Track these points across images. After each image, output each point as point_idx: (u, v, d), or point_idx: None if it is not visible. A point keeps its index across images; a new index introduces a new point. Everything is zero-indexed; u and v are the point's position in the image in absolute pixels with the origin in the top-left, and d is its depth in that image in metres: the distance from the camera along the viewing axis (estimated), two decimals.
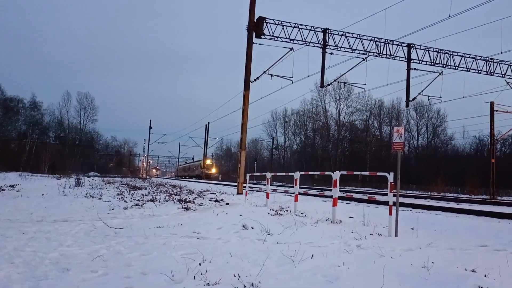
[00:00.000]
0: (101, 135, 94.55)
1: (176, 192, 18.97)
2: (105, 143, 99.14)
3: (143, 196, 15.66)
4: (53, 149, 69.33)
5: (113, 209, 11.33)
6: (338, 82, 31.85)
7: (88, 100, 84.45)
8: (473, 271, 5.04)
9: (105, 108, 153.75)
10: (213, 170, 77.95)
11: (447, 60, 26.21)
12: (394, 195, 8.35)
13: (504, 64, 27.50)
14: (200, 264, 5.11)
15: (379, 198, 12.52)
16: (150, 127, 71.60)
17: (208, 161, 77.97)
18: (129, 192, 18.43)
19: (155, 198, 14.75)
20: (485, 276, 4.78)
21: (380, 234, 8.13)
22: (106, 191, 18.54)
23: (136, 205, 12.21)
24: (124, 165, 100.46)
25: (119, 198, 14.57)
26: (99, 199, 14.31)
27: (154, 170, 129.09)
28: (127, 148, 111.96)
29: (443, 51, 26.11)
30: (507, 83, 27.99)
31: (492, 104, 31.40)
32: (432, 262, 5.26)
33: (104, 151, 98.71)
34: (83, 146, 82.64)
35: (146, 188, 22.69)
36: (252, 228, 8.32)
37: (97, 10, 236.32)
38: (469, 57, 26.66)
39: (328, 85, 28.40)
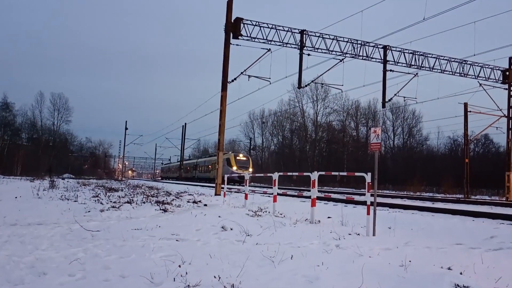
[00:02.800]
0: (75, 136, 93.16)
1: (153, 194, 18.79)
2: (79, 144, 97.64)
3: (120, 198, 15.46)
4: (26, 151, 67.95)
5: (89, 211, 11.14)
6: (315, 83, 32.08)
7: (62, 101, 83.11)
8: (449, 269, 5.14)
9: (80, 109, 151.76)
10: (250, 170, 49.55)
11: (422, 61, 26.72)
12: (371, 195, 8.44)
13: (477, 66, 28.15)
14: (179, 266, 5.07)
15: (357, 198, 12.62)
16: (126, 128, 70.94)
17: (241, 156, 53.13)
18: (106, 194, 18.17)
19: (132, 200, 14.58)
20: (461, 273, 4.87)
21: (359, 234, 8.20)
22: (81, 193, 18.24)
23: (113, 207, 12.05)
24: (99, 166, 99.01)
25: (95, 200, 14.35)
26: (75, 201, 14.06)
27: (130, 172, 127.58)
28: (102, 150, 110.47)
29: (418, 53, 26.59)
30: (480, 84, 28.66)
31: (465, 105, 32.09)
32: (410, 261, 5.34)
33: (79, 152, 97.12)
34: (57, 148, 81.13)
35: (122, 190, 22.40)
36: (231, 229, 8.30)
37: (73, 9, 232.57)
38: (443, 59, 27.22)
39: (306, 86, 28.68)
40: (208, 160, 65.34)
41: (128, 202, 13.47)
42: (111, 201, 14.00)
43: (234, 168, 49.71)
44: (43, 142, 79.88)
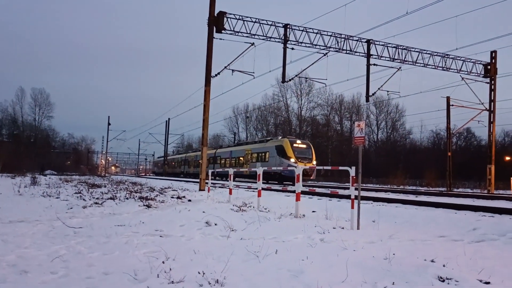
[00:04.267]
0: (57, 132, 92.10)
1: (137, 190, 18.64)
2: (61, 140, 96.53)
3: (103, 194, 15.30)
4: (6, 147, 66.78)
5: (71, 208, 10.99)
6: (299, 77, 32.25)
7: (43, 97, 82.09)
8: (433, 261, 5.18)
9: (62, 104, 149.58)
10: (314, 163, 36.10)
11: (405, 55, 26.93)
12: (355, 189, 8.48)
13: (459, 60, 28.47)
14: (163, 262, 5.01)
15: (341, 192, 12.70)
16: (109, 124, 70.24)
17: (299, 143, 36.89)
18: (88, 190, 17.97)
19: (115, 196, 14.44)
20: (444, 265, 4.92)
21: (343, 228, 8.23)
22: (63, 190, 18.01)
23: (96, 203, 11.91)
24: (82, 162, 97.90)
25: (77, 197, 14.17)
26: (57, 198, 13.87)
27: (113, 168, 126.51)
28: (85, 146, 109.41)
29: (401, 47, 26.78)
30: (462, 78, 28.99)
31: (448, 99, 32.45)
32: (394, 254, 5.37)
33: (61, 148, 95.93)
34: (38, 144, 80.00)
35: (105, 186, 22.19)
36: (216, 224, 8.26)
37: (53, 4, 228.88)
38: (426, 53, 27.46)
39: (290, 80, 28.67)
40: (200, 155, 55.96)
41: (111, 198, 13.33)
42: (94, 198, 13.84)
43: (292, 160, 34.34)
44: (24, 139, 78.70)
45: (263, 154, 39.04)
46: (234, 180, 13.22)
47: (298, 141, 37.30)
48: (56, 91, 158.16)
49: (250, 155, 41.43)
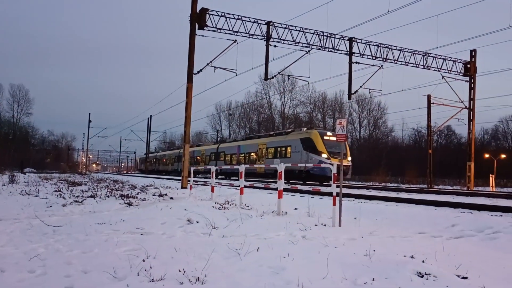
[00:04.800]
0: (36, 129, 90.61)
1: (118, 188, 18.46)
2: (41, 137, 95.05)
3: (83, 192, 15.11)
4: None
5: (51, 206, 10.82)
6: (282, 74, 32.26)
7: (22, 93, 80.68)
8: (412, 257, 5.24)
9: (41, 101, 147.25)
10: (350, 159, 31.11)
11: (387, 54, 27.15)
12: (337, 186, 8.52)
13: (440, 58, 28.83)
14: (144, 260, 4.97)
15: (323, 189, 12.76)
16: (89, 121, 69.41)
17: (330, 135, 30.38)
18: (68, 188, 17.73)
19: (96, 194, 14.27)
20: (423, 261, 4.98)
21: (325, 225, 8.27)
22: (43, 188, 17.73)
23: (76, 201, 11.75)
24: (62, 160, 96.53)
25: (57, 195, 13.96)
26: (36, 196, 13.65)
27: (94, 165, 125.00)
28: (65, 143, 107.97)
29: (383, 45, 26.99)
30: (443, 77, 29.37)
31: (429, 97, 32.87)
32: (374, 250, 5.41)
33: (41, 146, 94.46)
34: (17, 141, 78.61)
35: (86, 184, 21.92)
36: (197, 222, 8.23)
37: None
38: (407, 52, 27.74)
39: (272, 77, 28.67)
40: (198, 151, 50.93)
41: (91, 196, 13.17)
42: (74, 196, 13.66)
43: (324, 155, 28.79)
44: (2, 136, 77.23)
45: (283, 148, 33.25)
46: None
47: (329, 133, 30.89)
48: (35, 87, 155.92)
49: (265, 150, 35.68)
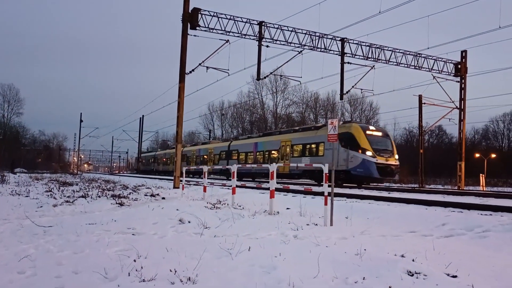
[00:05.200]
0: (27, 129, 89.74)
1: (110, 188, 18.39)
2: (32, 137, 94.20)
3: (74, 192, 15.03)
4: None
5: (41, 206, 10.76)
6: (275, 74, 32.30)
7: (13, 93, 79.78)
8: (403, 256, 5.27)
9: (32, 100, 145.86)
10: (397, 158, 26.35)
11: (379, 54, 27.27)
12: (329, 186, 8.55)
13: (431, 59, 29.01)
14: (135, 260, 4.96)
15: (315, 189, 12.79)
16: (81, 120, 68.81)
17: (374, 130, 26.58)
18: (59, 188, 17.62)
19: (87, 194, 14.19)
20: (413, 260, 5.01)
21: (316, 224, 8.30)
22: (34, 188, 17.61)
23: (67, 201, 11.69)
24: (53, 160, 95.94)
25: (48, 195, 13.87)
26: (26, 196, 13.54)
27: (86, 165, 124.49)
28: (56, 143, 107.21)
29: (374, 46, 27.10)
30: (434, 77, 29.54)
31: (420, 97, 33.07)
32: (365, 249, 5.44)
33: (32, 146, 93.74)
34: (7, 141, 77.93)
35: (77, 184, 21.79)
36: (189, 222, 8.21)
37: None
38: (398, 52, 27.88)
39: (265, 77, 28.69)
40: (205, 149, 45.68)
41: (82, 197, 13.10)
42: (65, 196, 13.58)
43: (369, 153, 24.73)
44: None
45: (314, 145, 28.72)
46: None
47: (372, 127, 27.02)
48: (26, 86, 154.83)
49: (290, 147, 31.09)
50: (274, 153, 33.31)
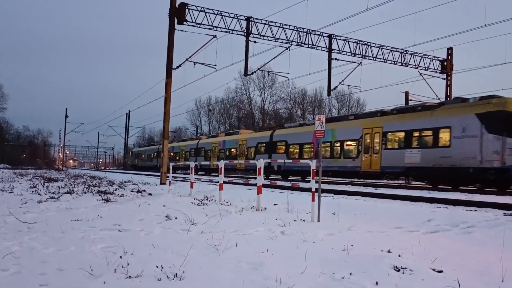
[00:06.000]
0: (11, 125, 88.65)
1: (96, 184, 18.23)
2: (16, 133, 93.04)
3: (59, 189, 14.86)
4: None
5: (26, 203, 10.61)
6: (262, 70, 32.20)
7: None
8: (389, 251, 5.30)
9: (16, 96, 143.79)
10: None
11: (366, 51, 27.40)
12: (316, 182, 8.57)
13: (418, 56, 29.23)
14: (121, 257, 4.91)
15: (302, 185, 12.80)
16: (66, 116, 68.22)
17: None
18: (44, 184, 17.42)
19: (73, 190, 14.06)
20: (400, 256, 5.05)
21: (304, 220, 8.31)
22: (18, 184, 17.38)
23: (52, 198, 11.55)
24: (38, 156, 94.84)
25: (32, 191, 13.70)
26: (10, 192, 13.36)
27: (71, 161, 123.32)
28: (41, 139, 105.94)
29: (362, 42, 27.22)
30: (420, 74, 29.76)
31: (406, 94, 33.23)
32: (352, 245, 5.46)
33: (16, 141, 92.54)
34: None
35: (62, 180, 21.58)
36: (176, 218, 8.17)
37: None
38: (385, 49, 28.04)
39: (252, 73, 28.69)
40: (233, 141, 37.94)
41: (68, 193, 12.97)
42: (50, 192, 13.43)
43: None
44: None
45: (429, 133, 20.61)
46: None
47: None
48: (10, 82, 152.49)
49: (381, 136, 22.81)
50: (350, 144, 24.94)
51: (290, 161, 13.35)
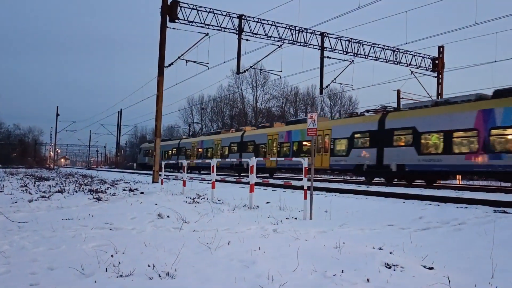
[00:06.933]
0: (2, 123, 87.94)
1: (87, 182, 18.13)
2: (6, 131, 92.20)
3: (50, 187, 14.77)
4: None
5: (16, 202, 10.52)
6: (255, 68, 32.18)
7: None
8: (380, 249, 5.33)
9: (6, 94, 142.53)
10: None
11: (358, 49, 27.49)
12: (308, 180, 8.58)
13: (409, 54, 29.37)
14: (112, 255, 4.89)
15: (294, 183, 12.83)
16: (58, 114, 67.86)
17: None
18: (35, 183, 17.29)
19: (64, 189, 13.97)
20: (391, 253, 5.07)
21: (296, 218, 8.33)
22: (8, 183, 17.23)
23: (43, 197, 11.47)
24: (29, 155, 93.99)
25: (23, 190, 13.59)
26: (0, 191, 13.25)
27: (63, 160, 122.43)
28: (32, 137, 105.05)
29: (354, 41, 27.29)
30: (412, 72, 29.90)
31: (398, 92, 33.32)
32: (344, 243, 5.47)
33: (6, 140, 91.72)
34: None
35: (53, 179, 21.44)
36: (168, 216, 8.15)
37: None
38: (377, 47, 28.15)
39: (245, 71, 28.62)
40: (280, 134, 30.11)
41: (59, 192, 12.89)
42: (41, 191, 13.34)
43: None
44: None
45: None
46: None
47: None
48: (0, 80, 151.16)
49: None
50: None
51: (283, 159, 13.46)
